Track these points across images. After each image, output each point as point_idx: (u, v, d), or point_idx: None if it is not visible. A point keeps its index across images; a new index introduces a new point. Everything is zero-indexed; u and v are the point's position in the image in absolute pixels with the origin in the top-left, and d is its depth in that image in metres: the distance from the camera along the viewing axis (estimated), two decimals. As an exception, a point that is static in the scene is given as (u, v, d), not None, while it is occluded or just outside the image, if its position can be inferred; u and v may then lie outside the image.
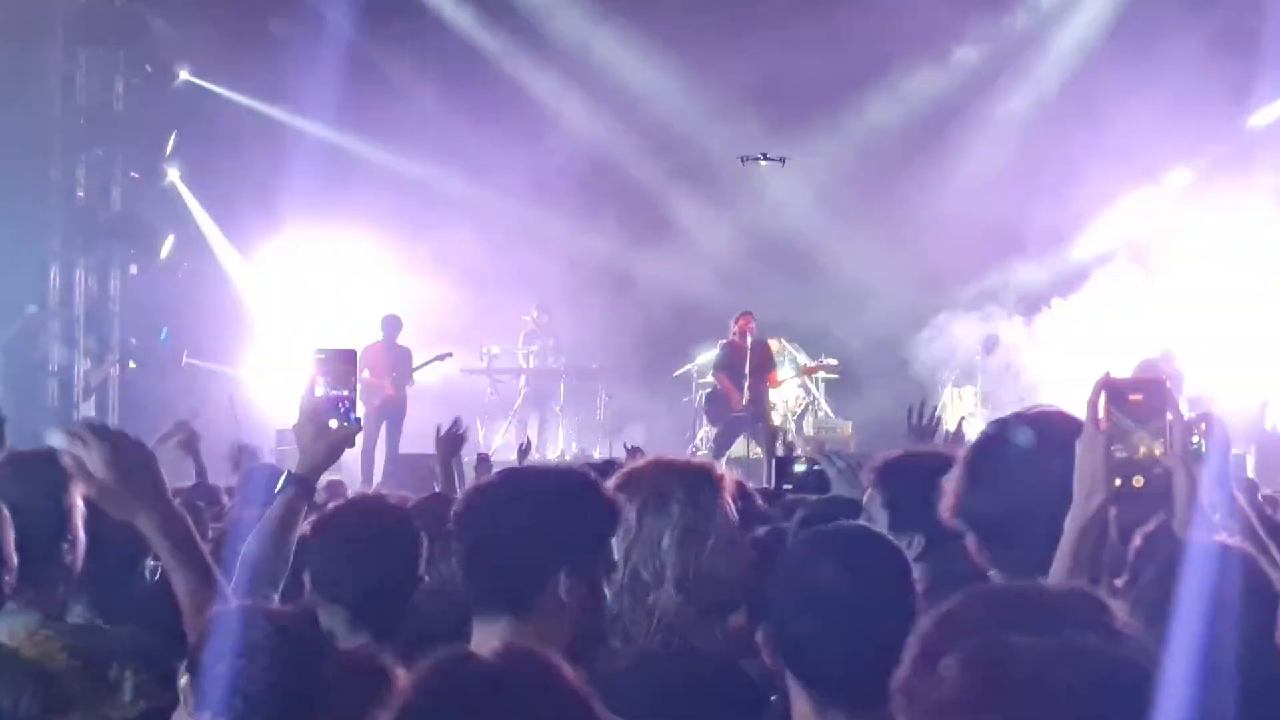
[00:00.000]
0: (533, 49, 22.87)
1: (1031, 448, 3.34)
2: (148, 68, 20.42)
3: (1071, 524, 2.96)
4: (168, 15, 20.21)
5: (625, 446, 13.27)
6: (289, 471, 3.98)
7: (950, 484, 3.48)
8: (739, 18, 21.84)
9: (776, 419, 20.40)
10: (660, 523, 3.92)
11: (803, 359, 21.65)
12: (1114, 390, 2.96)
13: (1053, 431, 3.30)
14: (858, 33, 20.59)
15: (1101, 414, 2.94)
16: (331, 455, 3.96)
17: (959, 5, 21.97)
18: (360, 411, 4.04)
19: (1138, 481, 2.92)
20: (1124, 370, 17.52)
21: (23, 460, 4.64)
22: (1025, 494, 3.28)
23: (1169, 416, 2.92)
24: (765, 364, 19.44)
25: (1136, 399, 2.94)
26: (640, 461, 4.18)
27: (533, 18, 22.70)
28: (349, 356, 4.01)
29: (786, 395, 21.04)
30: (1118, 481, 2.94)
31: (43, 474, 4.42)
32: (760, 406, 19.31)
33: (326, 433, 3.92)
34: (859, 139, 22.68)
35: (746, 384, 18.96)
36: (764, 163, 22.95)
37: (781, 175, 22.88)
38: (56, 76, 19.24)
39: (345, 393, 3.92)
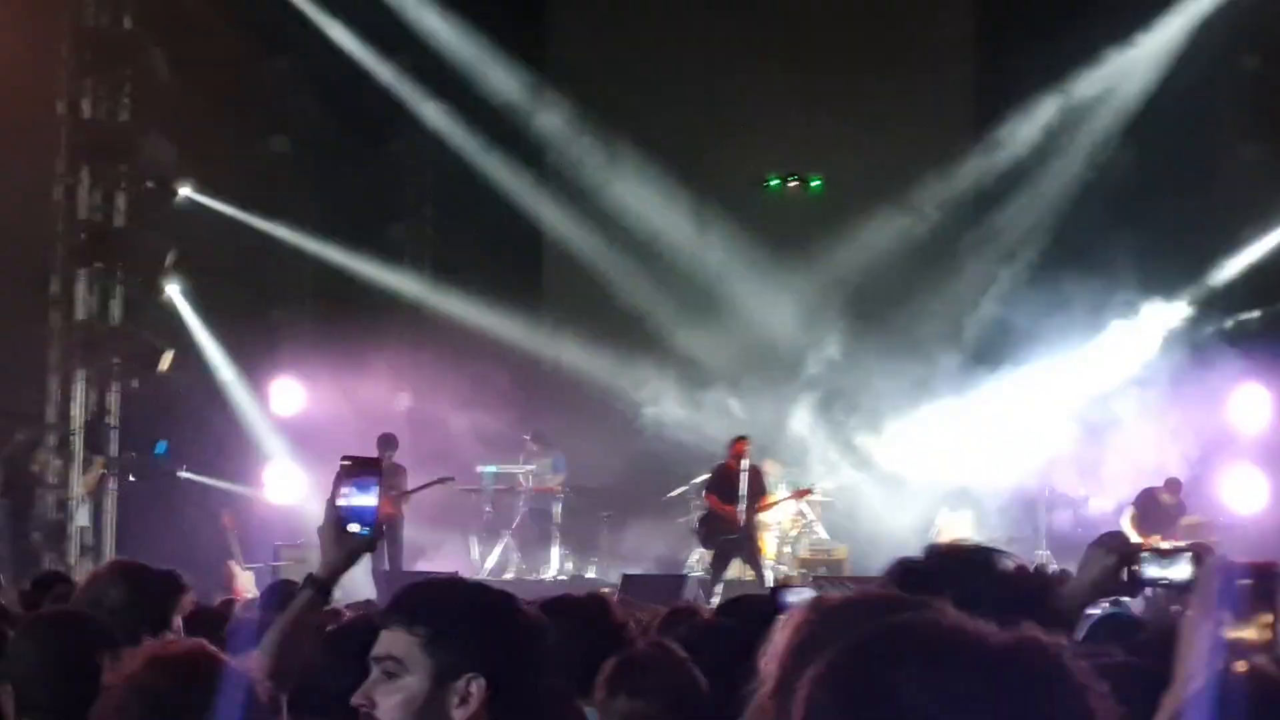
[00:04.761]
0: (532, 170, 23.06)
1: None
2: (149, 183, 20.49)
3: (1168, 704, 2.89)
4: (169, 132, 20.31)
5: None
6: (309, 574, 4.08)
7: None
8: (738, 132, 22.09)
9: (772, 541, 20.35)
10: None
11: (797, 480, 21.52)
12: (1225, 574, 2.93)
13: None
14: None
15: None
16: (350, 560, 4.05)
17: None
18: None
19: (1240, 666, 2.92)
20: (1123, 496, 17.57)
21: (49, 622, 4.61)
22: None
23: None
24: (758, 489, 19.43)
25: (1246, 584, 2.93)
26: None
27: (534, 142, 22.86)
28: (373, 465, 4.13)
29: (781, 517, 20.90)
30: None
31: (70, 637, 4.37)
32: (751, 530, 19.29)
33: (347, 538, 4.01)
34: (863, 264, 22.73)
35: (742, 507, 18.97)
36: (792, 183, 23.31)
37: (781, 294, 22.87)
38: (59, 191, 19.33)
39: (368, 500, 4.00)
